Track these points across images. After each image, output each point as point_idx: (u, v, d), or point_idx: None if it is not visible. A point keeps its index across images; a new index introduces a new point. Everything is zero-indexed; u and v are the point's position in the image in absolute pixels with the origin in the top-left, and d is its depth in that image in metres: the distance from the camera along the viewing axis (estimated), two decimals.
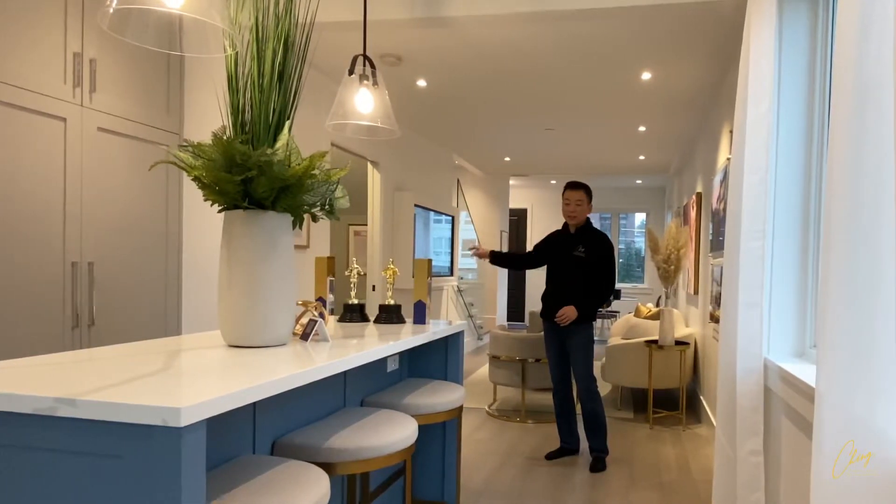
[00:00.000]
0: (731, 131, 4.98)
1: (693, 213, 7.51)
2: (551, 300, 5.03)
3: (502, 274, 13.34)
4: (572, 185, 4.94)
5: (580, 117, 7.43)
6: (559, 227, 5.16)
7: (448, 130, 8.43)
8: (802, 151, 3.00)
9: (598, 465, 4.94)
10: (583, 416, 5.04)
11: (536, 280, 15.34)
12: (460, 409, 3.41)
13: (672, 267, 6.91)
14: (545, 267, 5.18)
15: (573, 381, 5.16)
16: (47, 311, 3.12)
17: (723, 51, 4.96)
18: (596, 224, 15.31)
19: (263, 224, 2.44)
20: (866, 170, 1.50)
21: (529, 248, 15.45)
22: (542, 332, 5.48)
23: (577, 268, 4.92)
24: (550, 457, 5.18)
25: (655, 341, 6.28)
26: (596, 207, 15.18)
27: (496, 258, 5.19)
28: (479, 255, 5.16)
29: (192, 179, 2.40)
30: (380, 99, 3.38)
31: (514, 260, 5.26)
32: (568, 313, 4.83)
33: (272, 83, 2.47)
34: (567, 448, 5.25)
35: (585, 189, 4.93)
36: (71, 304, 3.24)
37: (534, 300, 15.33)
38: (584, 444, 5.46)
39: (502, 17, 4.14)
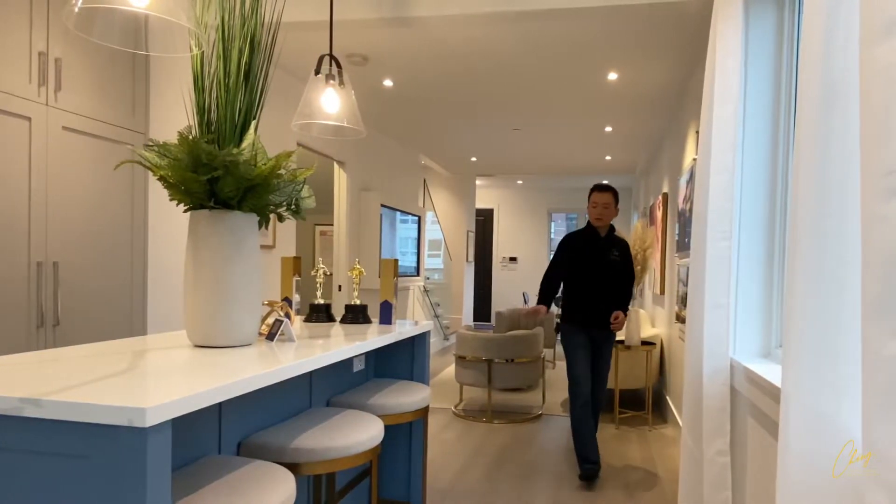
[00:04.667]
0: (697, 132, 5.03)
1: (659, 214, 7.58)
2: (587, 305, 4.80)
3: (468, 275, 13.35)
4: (600, 188, 4.76)
5: (546, 117, 7.47)
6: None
7: (414, 130, 8.43)
8: (768, 152, 3.03)
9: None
10: (593, 415, 4.86)
11: (501, 280, 15.38)
12: (426, 409, 3.41)
13: (638, 267, 6.98)
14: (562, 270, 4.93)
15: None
16: (11, 311, 3.06)
17: (689, 51, 5.01)
18: (561, 224, 15.44)
19: (229, 224, 2.42)
20: (832, 170, 1.52)
21: (498, 247, 15.47)
22: (548, 336, 5.34)
23: (614, 272, 4.80)
24: (588, 478, 4.68)
25: (622, 341, 6.33)
26: (563, 208, 15.27)
27: (547, 302, 4.85)
28: (540, 314, 4.76)
29: (158, 179, 2.37)
30: (346, 99, 3.37)
31: (554, 292, 4.92)
32: (623, 318, 4.72)
33: (238, 83, 2.46)
34: (598, 465, 4.72)
35: (613, 192, 4.75)
36: (36, 304, 3.18)
37: (500, 301, 15.37)
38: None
39: (468, 17, 4.14)
